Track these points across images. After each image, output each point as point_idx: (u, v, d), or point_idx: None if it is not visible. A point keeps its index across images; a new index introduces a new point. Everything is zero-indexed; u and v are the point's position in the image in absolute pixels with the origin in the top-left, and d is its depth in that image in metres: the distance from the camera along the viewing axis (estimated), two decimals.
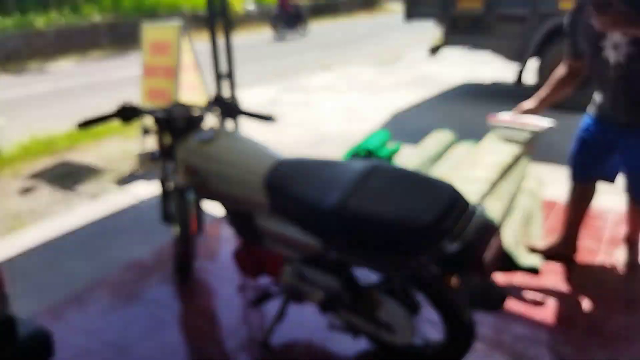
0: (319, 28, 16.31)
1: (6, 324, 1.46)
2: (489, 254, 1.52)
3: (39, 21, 12.72)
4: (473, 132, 4.73)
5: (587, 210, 2.51)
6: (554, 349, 1.99)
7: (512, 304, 2.25)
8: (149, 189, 3.97)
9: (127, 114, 2.22)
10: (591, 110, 2.35)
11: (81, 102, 7.49)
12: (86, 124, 2.13)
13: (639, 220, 2.45)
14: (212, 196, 2.08)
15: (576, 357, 1.94)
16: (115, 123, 5.71)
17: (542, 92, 2.46)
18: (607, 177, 2.40)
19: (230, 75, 4.47)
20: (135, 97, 4.63)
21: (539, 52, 5.58)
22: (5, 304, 1.46)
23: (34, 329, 1.55)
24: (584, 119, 2.40)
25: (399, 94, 6.98)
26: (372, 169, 1.72)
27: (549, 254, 2.57)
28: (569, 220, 2.53)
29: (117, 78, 9.29)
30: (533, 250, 2.62)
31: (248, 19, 16.88)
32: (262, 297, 2.11)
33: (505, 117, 2.74)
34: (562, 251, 2.57)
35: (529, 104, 2.51)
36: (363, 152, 3.52)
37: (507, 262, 2.44)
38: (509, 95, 6.48)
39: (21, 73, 10.74)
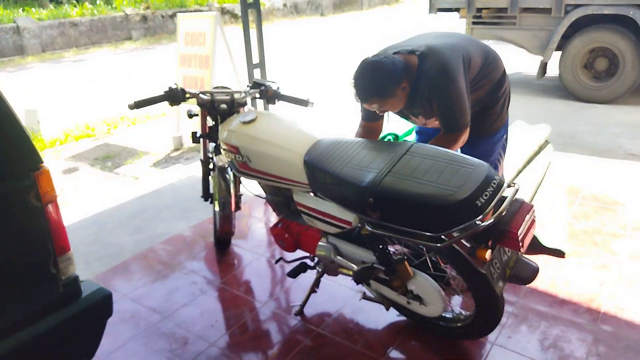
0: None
1: (73, 282, 1.59)
2: (523, 230, 1.59)
3: (73, 12, 13.11)
4: None
5: None
6: (578, 327, 2.06)
7: (539, 281, 2.31)
8: (185, 170, 4.15)
9: (174, 96, 2.38)
10: None
11: (117, 89, 7.74)
12: (137, 105, 2.28)
13: None
14: (252, 175, 2.17)
15: (599, 336, 2.01)
16: (150, 110, 5.91)
17: None
18: None
19: (262, 65, 4.60)
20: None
21: (561, 45, 5.56)
22: (71, 265, 1.59)
23: (96, 289, 1.65)
24: None
25: None
26: (409, 148, 1.80)
27: None
28: None
29: (150, 67, 9.55)
30: None
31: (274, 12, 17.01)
32: (298, 269, 2.21)
33: None
34: None
35: None
36: (391, 138, 3.60)
37: (533, 245, 2.48)
38: (530, 85, 6.45)
39: (58, 62, 11.11)
